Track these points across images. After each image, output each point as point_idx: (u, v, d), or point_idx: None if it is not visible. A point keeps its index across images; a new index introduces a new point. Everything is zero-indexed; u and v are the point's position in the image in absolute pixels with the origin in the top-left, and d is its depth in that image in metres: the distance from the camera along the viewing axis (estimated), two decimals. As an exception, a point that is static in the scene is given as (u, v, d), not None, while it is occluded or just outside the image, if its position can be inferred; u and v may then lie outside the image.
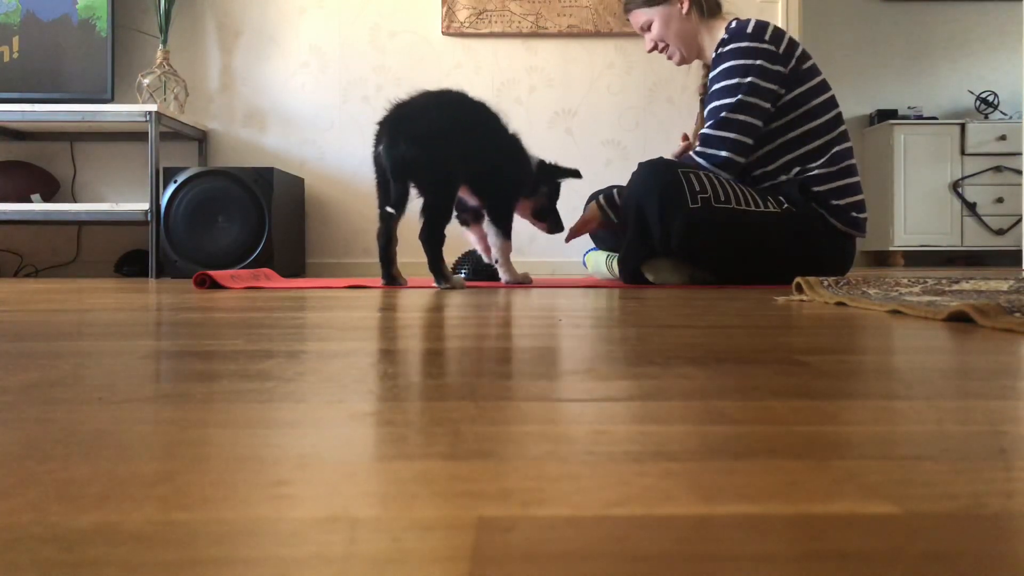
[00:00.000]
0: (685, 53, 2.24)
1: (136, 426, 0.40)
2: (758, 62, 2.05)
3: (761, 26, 2.09)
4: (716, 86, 2.09)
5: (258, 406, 0.45)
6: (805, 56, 2.11)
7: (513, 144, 1.99)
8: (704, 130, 2.09)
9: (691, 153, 2.12)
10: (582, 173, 2.12)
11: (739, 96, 2.04)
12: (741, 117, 2.04)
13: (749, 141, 2.05)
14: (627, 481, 0.30)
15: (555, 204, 2.11)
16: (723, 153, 2.04)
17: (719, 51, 2.12)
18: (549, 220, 2.11)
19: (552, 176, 2.08)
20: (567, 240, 2.26)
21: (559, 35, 3.42)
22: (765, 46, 2.06)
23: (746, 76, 2.04)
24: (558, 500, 0.28)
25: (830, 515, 0.26)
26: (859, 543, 0.24)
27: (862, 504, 0.27)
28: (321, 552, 0.23)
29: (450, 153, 1.81)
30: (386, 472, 0.32)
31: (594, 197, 2.47)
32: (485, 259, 2.13)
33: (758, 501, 0.28)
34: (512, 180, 1.98)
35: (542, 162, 2.07)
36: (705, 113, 2.13)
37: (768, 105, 2.06)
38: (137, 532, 0.25)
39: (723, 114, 2.05)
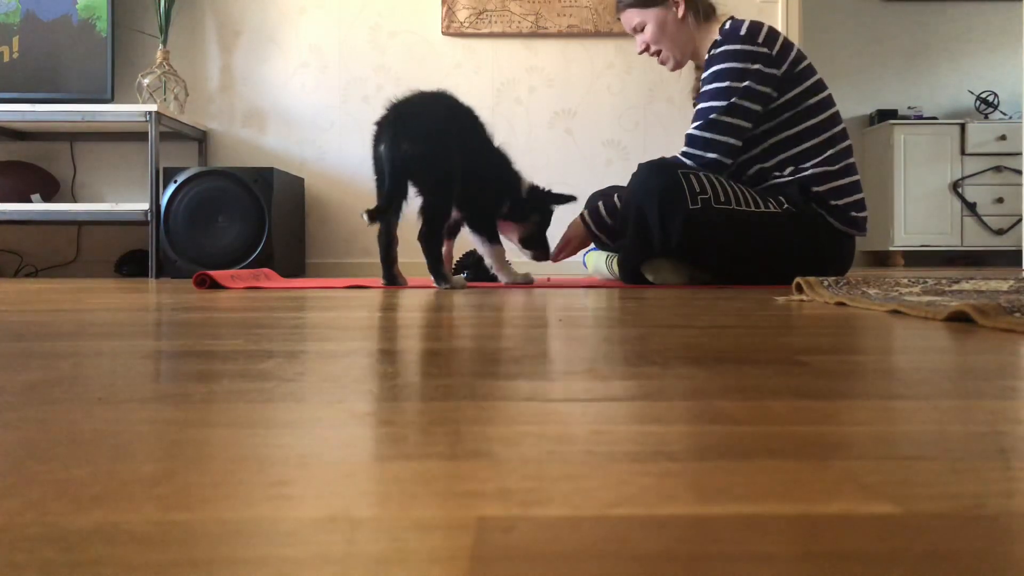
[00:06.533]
0: (679, 58, 2.20)
1: (136, 426, 0.40)
2: (754, 66, 2.03)
3: (755, 28, 2.07)
4: (708, 87, 2.07)
5: (258, 406, 0.45)
6: (800, 57, 2.09)
7: (498, 156, 1.96)
8: (691, 131, 2.07)
9: (678, 154, 2.09)
10: (576, 196, 2.05)
11: (732, 99, 2.02)
12: (730, 120, 2.03)
13: (737, 143, 2.05)
14: (627, 481, 0.30)
15: (545, 231, 2.05)
16: (711, 155, 2.03)
17: (712, 52, 2.09)
18: (536, 248, 2.04)
19: (544, 202, 2.02)
20: (554, 260, 2.15)
21: (559, 35, 3.42)
22: (760, 49, 2.04)
23: (741, 80, 2.02)
24: (558, 500, 0.28)
25: (830, 515, 0.26)
26: (859, 543, 0.24)
27: (862, 504, 0.27)
28: (321, 552, 0.23)
29: (449, 152, 1.81)
30: (386, 472, 0.32)
31: (594, 197, 2.47)
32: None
33: (758, 501, 0.28)
34: (495, 190, 1.94)
35: (534, 187, 2.01)
36: (694, 113, 2.11)
37: (759, 108, 2.05)
38: (137, 532, 0.25)
39: (712, 116, 2.03)
